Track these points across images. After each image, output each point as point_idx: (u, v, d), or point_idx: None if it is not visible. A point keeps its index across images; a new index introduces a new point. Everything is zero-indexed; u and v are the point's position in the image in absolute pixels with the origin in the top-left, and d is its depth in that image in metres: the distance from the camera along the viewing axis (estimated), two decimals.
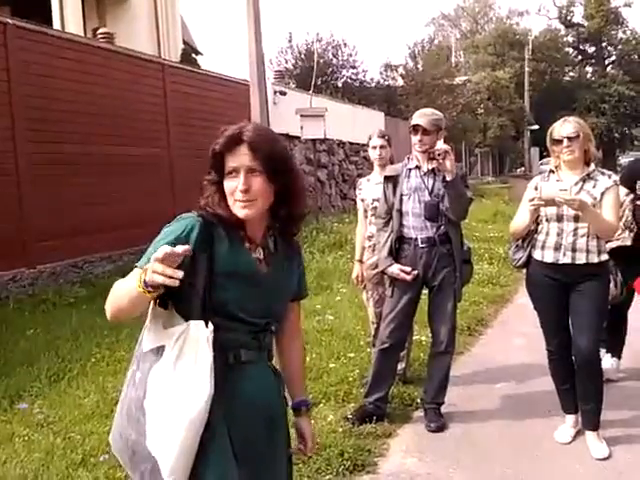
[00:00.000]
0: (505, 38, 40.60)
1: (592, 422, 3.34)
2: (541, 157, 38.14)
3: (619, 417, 3.64)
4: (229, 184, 1.63)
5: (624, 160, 33.03)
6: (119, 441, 1.63)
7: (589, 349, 3.22)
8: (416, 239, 3.60)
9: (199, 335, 1.55)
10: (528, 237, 3.36)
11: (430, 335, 4.97)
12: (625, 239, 4.01)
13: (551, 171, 3.37)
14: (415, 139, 3.54)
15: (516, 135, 35.00)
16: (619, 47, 45.51)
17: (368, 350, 4.70)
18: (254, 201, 1.62)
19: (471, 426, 3.70)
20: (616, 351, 4.30)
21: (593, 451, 3.27)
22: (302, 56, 21.62)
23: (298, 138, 11.80)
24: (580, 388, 3.35)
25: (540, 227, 3.32)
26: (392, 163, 4.29)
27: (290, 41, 22.29)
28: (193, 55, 14.90)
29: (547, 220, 3.27)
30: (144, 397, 1.56)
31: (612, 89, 42.10)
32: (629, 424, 3.61)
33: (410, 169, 3.65)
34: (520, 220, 3.35)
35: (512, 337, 5.48)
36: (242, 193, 1.60)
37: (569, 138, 3.18)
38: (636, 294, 4.04)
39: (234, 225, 1.65)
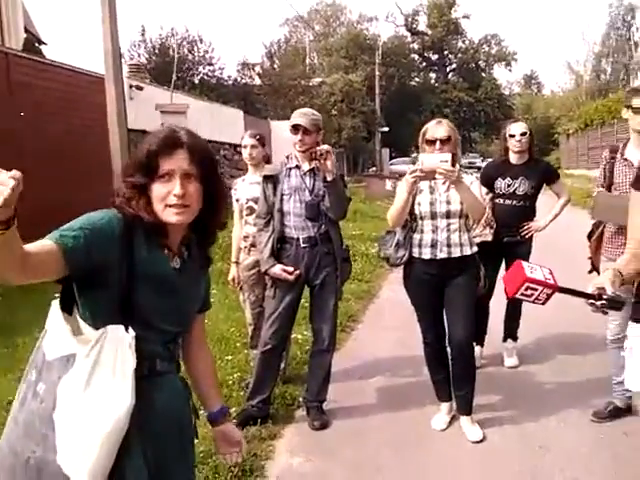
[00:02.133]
0: (357, 42, 42.15)
1: (466, 407, 3.55)
2: (391, 157, 40.05)
3: (486, 401, 3.89)
4: (161, 188, 1.53)
5: (464, 161, 35.64)
6: (8, 456, 1.46)
7: (465, 339, 3.42)
8: (298, 239, 3.60)
9: (119, 342, 1.44)
10: (407, 235, 3.47)
11: (306, 333, 5.12)
12: (486, 235, 4.31)
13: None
14: (296, 139, 3.54)
15: (368, 136, 36.44)
16: (459, 55, 49.06)
17: (245, 352, 4.65)
18: (188, 207, 1.54)
19: (353, 421, 3.78)
20: (479, 339, 4.60)
21: (469, 435, 3.48)
22: (156, 51, 20.93)
23: None
24: (455, 376, 3.55)
25: (415, 225, 3.46)
26: (268, 162, 4.27)
27: (143, 35, 21.52)
28: (37, 44, 13.87)
29: (421, 218, 3.42)
30: (53, 409, 1.42)
31: (453, 95, 45.33)
32: (496, 407, 3.88)
33: (290, 168, 3.64)
34: (398, 201, 3.34)
35: (382, 331, 5.68)
36: (177, 198, 1.51)
37: (442, 141, 3.34)
38: (499, 286, 4.36)
39: (156, 231, 1.55)
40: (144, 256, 1.52)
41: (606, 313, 2.00)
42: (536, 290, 1.96)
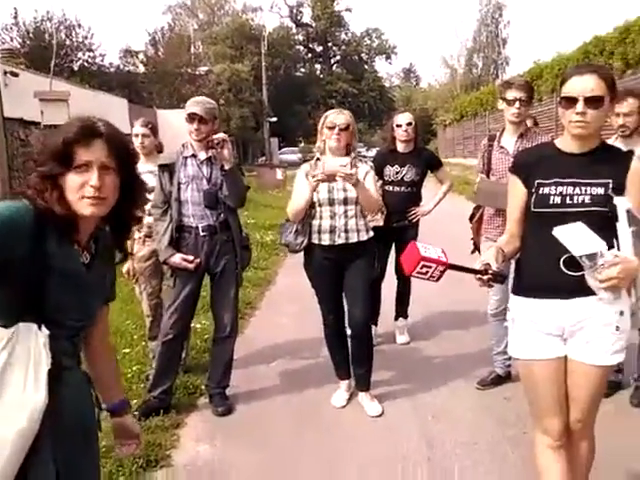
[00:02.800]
0: (242, 32, 41.78)
1: (365, 384, 3.74)
2: (280, 147, 40.19)
3: (382, 377, 4.11)
4: (76, 178, 1.49)
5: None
6: None
7: (363, 319, 3.59)
8: (197, 227, 3.60)
9: (31, 341, 1.41)
10: (305, 222, 3.58)
11: (204, 322, 5.12)
12: (378, 220, 4.52)
13: (317, 159, 3.64)
14: (192, 127, 3.53)
15: (256, 126, 36.37)
16: (342, 48, 49.99)
17: (143, 344, 4.58)
18: (104, 199, 1.52)
19: (256, 405, 3.86)
20: (373, 319, 4.81)
21: (368, 410, 3.66)
22: (30, 35, 19.68)
23: (37, 124, 10.78)
24: (355, 355, 3.72)
25: (314, 212, 3.58)
26: (160, 152, 4.22)
27: (16, 17, 20.16)
28: None
29: (320, 205, 3.54)
30: None
31: (338, 86, 46.16)
32: (391, 382, 4.10)
33: (186, 157, 3.63)
34: (300, 199, 3.52)
35: (279, 317, 5.79)
36: (94, 190, 1.48)
37: (341, 128, 3.50)
38: (389, 269, 4.59)
39: (67, 225, 1.51)
40: (55, 251, 1.49)
41: (491, 286, 2.19)
42: (430, 268, 2.13)
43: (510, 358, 3.57)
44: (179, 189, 3.59)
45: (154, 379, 3.72)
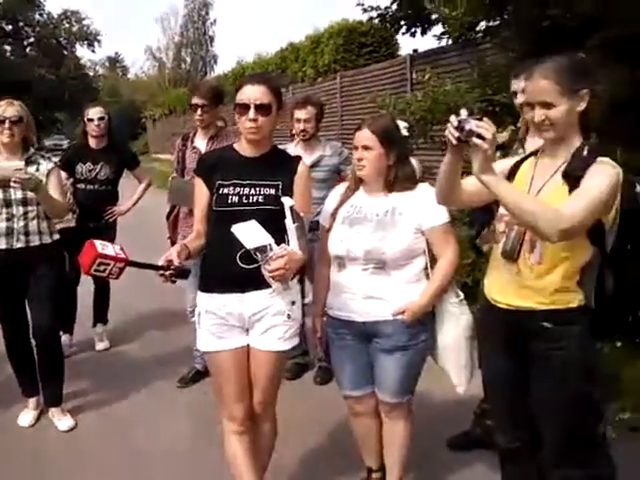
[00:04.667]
0: None
1: (56, 399, 3.46)
2: None
3: (77, 388, 3.86)
4: None
5: (49, 143, 33.68)
6: None
7: (48, 329, 3.31)
8: None
9: None
10: None
11: None
12: (70, 221, 4.22)
13: None
14: None
15: None
16: (37, 29, 45.70)
17: None
18: None
19: None
20: (67, 328, 4.50)
21: (60, 425, 3.40)
22: None
23: None
24: (42, 368, 3.41)
25: None
26: None
27: None
28: None
29: None
30: None
31: (35, 71, 42.07)
32: (88, 392, 3.87)
33: None
34: None
35: None
36: None
37: (12, 121, 3.16)
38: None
39: None
40: None
41: (174, 282, 2.25)
42: (108, 265, 2.10)
43: None
44: None
45: None
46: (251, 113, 2.23)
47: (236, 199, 2.28)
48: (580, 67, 1.91)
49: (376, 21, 9.01)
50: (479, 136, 1.73)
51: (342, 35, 12.57)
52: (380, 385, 2.45)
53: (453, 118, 1.78)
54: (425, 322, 2.39)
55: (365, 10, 8.65)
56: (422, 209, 2.32)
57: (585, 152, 1.88)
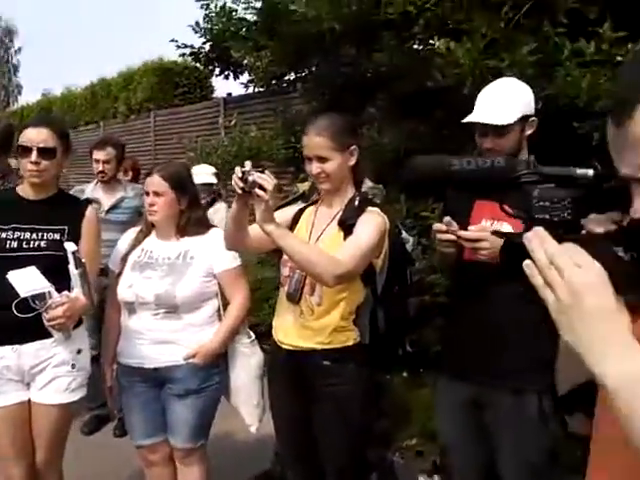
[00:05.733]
0: None
1: None
2: None
3: None
4: None
5: None
6: None
7: None
8: None
9: None
10: None
11: None
12: None
13: None
14: None
15: None
16: None
17: None
18: None
19: None
20: None
21: None
22: None
23: None
24: None
25: None
26: None
27: None
28: None
29: None
30: None
31: None
32: None
33: None
34: None
35: None
36: None
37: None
38: None
39: None
40: None
41: None
42: None
43: None
44: None
45: None
46: (33, 156, 2.16)
47: (15, 244, 2.18)
48: (350, 125, 2.12)
49: (189, 59, 9.04)
50: (261, 187, 1.83)
51: (156, 74, 12.45)
52: (172, 431, 2.41)
53: (238, 169, 1.87)
54: (218, 364, 2.42)
55: (179, 47, 8.65)
56: (213, 253, 2.37)
57: (356, 202, 2.08)
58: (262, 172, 1.87)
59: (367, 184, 2.48)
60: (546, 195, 0.92)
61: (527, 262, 0.80)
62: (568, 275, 0.76)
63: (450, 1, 3.12)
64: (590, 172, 0.93)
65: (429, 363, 2.98)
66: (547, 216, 0.91)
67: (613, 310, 0.76)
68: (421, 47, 3.65)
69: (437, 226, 1.89)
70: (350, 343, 2.09)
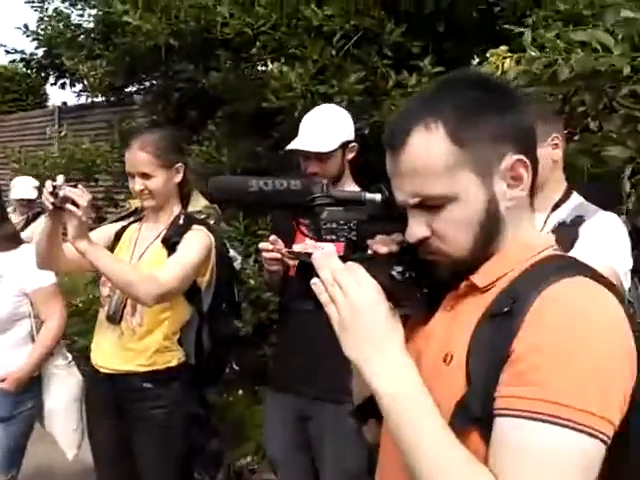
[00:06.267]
0: None
1: None
2: None
3: None
4: None
5: None
6: None
7: None
8: None
9: None
10: None
11: None
12: None
13: None
14: None
15: None
16: None
17: None
18: None
19: None
20: None
21: None
22: None
23: None
24: None
25: None
26: None
27: None
28: None
29: None
30: None
31: None
32: None
33: None
34: None
35: None
36: None
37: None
38: None
39: None
40: None
41: None
42: None
43: None
44: None
45: None
46: None
47: None
48: (176, 142, 2.09)
49: (21, 65, 8.43)
50: (74, 203, 1.74)
51: None
52: None
53: (48, 184, 1.76)
54: (31, 388, 2.25)
55: (8, 52, 8.04)
56: (26, 270, 2.21)
57: (182, 220, 2.05)
58: (75, 187, 1.78)
59: (202, 202, 2.46)
60: (333, 217, 0.98)
61: (314, 280, 0.84)
62: (348, 292, 0.81)
63: (286, 26, 3.21)
64: (378, 197, 0.99)
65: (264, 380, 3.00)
66: (334, 237, 0.98)
67: (388, 329, 0.81)
68: (258, 69, 3.71)
69: (263, 245, 1.91)
70: (174, 364, 2.03)
